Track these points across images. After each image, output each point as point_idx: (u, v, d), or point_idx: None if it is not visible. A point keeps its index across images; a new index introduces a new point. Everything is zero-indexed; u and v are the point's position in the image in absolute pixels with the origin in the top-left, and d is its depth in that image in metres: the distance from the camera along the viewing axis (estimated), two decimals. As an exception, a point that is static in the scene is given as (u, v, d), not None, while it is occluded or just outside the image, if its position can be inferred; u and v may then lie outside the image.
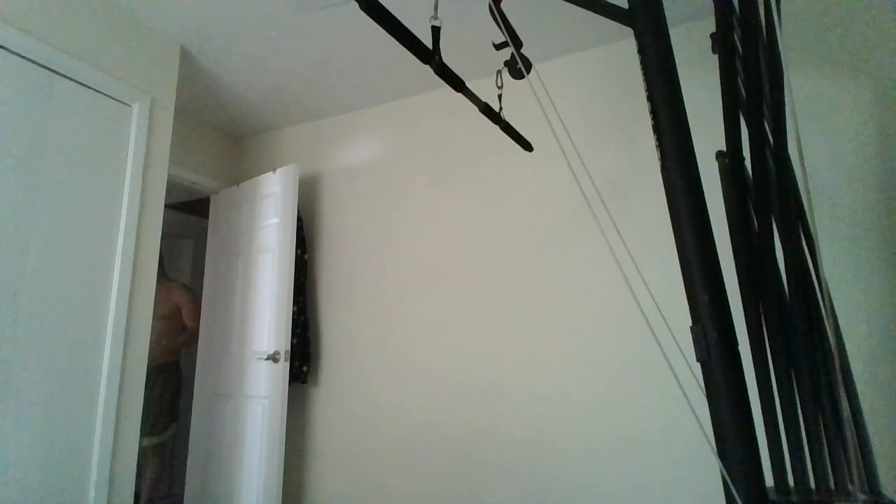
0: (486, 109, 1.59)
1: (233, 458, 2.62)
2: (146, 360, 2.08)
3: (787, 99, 0.96)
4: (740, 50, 1.10)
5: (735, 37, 1.09)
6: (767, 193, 1.01)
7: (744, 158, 1.06)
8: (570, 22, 2.15)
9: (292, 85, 2.70)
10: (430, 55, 1.20)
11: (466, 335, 2.44)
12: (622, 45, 2.28)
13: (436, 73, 1.26)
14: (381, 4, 1.05)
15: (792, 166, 1.03)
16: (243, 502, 2.52)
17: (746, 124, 1.04)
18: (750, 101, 1.03)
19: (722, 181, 1.13)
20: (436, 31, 1.21)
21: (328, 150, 3.05)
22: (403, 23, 1.10)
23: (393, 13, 1.08)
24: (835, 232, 1.81)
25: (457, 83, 1.35)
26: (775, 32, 0.98)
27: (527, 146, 1.86)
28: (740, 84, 1.10)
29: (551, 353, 2.23)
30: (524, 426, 2.23)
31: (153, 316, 2.61)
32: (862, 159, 1.82)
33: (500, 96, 1.67)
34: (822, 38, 1.94)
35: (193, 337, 3.04)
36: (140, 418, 2.04)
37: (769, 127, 1.04)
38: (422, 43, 1.16)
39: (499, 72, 1.61)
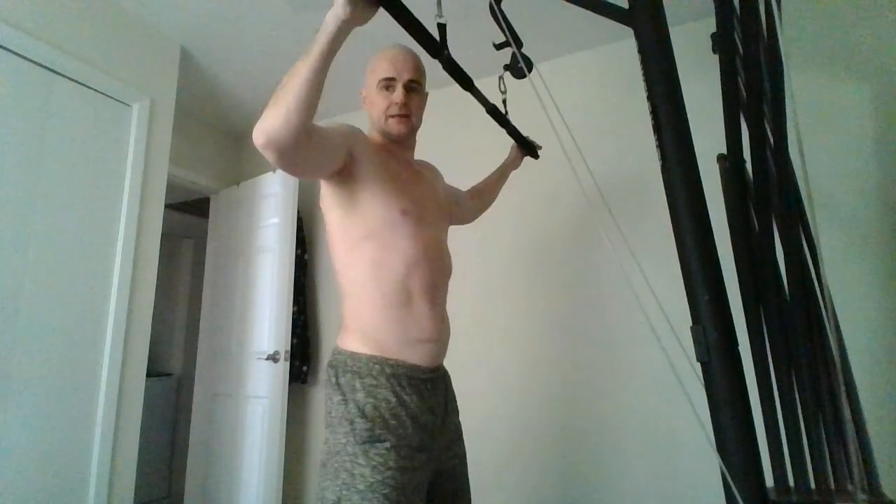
0: (493, 111, 1.55)
1: (233, 459, 2.62)
2: (146, 360, 2.07)
3: (787, 99, 0.96)
4: (740, 50, 1.10)
5: (735, 37, 1.09)
6: (768, 193, 1.01)
7: (744, 159, 1.05)
8: (570, 22, 2.15)
9: (292, 85, 2.69)
10: (438, 49, 1.17)
11: (466, 335, 2.43)
12: (622, 45, 2.28)
13: (444, 68, 1.24)
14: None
15: (792, 166, 1.03)
16: (243, 502, 2.52)
17: (747, 124, 1.04)
18: (750, 101, 1.03)
19: (722, 181, 1.13)
20: (442, 29, 1.18)
21: (328, 150, 3.04)
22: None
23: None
24: (835, 232, 1.81)
25: (465, 81, 1.33)
26: (776, 32, 0.98)
27: (534, 154, 1.82)
28: (740, 84, 1.09)
29: (551, 353, 2.23)
30: (524, 428, 2.23)
31: (434, 247, 1.22)
32: (862, 159, 1.82)
33: (504, 101, 1.65)
34: (822, 38, 1.93)
35: None
36: (140, 417, 2.04)
37: (769, 127, 1.04)
38: (432, 36, 1.13)
39: (501, 77, 1.59)
